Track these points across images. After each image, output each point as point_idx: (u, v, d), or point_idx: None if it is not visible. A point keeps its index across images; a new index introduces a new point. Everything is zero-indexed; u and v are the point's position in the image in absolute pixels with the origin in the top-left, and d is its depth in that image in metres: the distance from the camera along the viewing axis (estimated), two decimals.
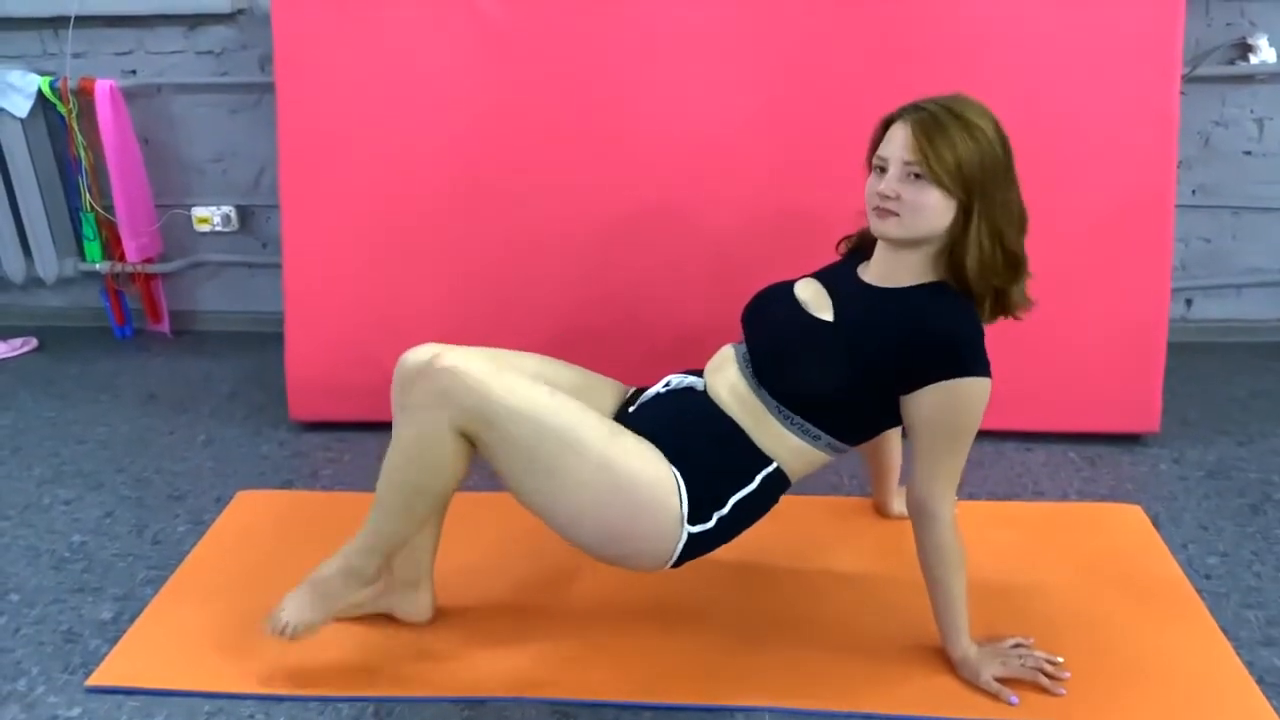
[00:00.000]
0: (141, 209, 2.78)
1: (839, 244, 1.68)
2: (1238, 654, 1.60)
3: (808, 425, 1.51)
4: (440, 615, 1.74)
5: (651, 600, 1.77)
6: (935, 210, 1.43)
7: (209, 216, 2.84)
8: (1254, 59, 2.45)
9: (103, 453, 2.38)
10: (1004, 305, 1.50)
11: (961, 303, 1.47)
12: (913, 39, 2.21)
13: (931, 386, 1.44)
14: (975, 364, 1.43)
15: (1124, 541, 1.90)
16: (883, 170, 1.46)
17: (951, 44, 2.20)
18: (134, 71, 2.75)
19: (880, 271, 1.54)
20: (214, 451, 2.38)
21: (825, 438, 1.53)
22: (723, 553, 1.81)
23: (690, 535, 1.49)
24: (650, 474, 1.47)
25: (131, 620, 1.78)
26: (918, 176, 1.42)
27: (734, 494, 1.51)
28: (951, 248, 1.46)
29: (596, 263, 2.33)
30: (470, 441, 1.49)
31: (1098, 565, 1.82)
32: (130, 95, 2.71)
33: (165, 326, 2.95)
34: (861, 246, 1.64)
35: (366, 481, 2.17)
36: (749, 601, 1.77)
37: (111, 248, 2.84)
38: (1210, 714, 1.49)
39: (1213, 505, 2.04)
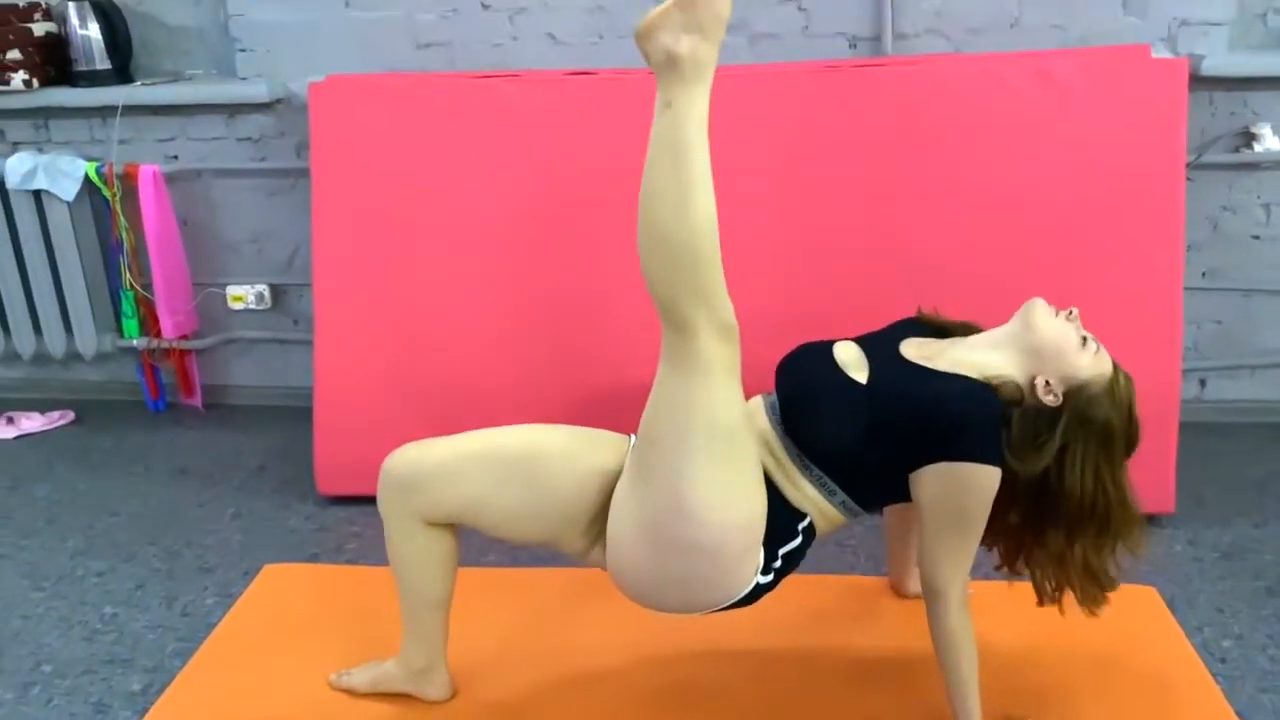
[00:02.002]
0: (179, 288, 2.88)
1: (919, 310, 1.76)
2: None
3: (825, 479, 1.55)
4: (460, 691, 1.77)
5: (671, 681, 1.80)
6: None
7: (243, 294, 2.93)
8: (1258, 147, 2.52)
9: (135, 525, 2.44)
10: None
11: (983, 394, 1.51)
12: (923, 131, 2.29)
13: (934, 466, 1.48)
14: (980, 450, 1.47)
15: (1139, 623, 1.91)
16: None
17: (962, 134, 2.28)
18: (176, 156, 2.87)
19: (928, 352, 1.60)
20: (242, 525, 2.43)
21: (840, 494, 1.56)
22: (741, 633, 1.86)
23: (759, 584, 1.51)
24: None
25: (160, 692, 1.83)
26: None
27: (784, 546, 1.53)
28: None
29: (625, 339, 2.38)
30: (448, 526, 1.63)
31: (1113, 647, 1.83)
32: (172, 179, 2.83)
33: (197, 400, 3.03)
34: (928, 326, 1.71)
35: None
36: (766, 683, 1.79)
37: (148, 325, 2.93)
38: None
39: (1228, 587, 2.05)
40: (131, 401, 3.09)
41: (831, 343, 1.66)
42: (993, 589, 2.01)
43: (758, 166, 2.33)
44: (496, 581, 2.10)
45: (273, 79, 2.73)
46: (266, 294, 2.94)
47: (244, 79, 2.77)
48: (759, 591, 1.52)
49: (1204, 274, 2.67)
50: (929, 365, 1.56)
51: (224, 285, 2.95)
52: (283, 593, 2.12)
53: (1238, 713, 1.66)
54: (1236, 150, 2.55)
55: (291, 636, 1.96)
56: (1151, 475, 2.30)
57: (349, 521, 2.43)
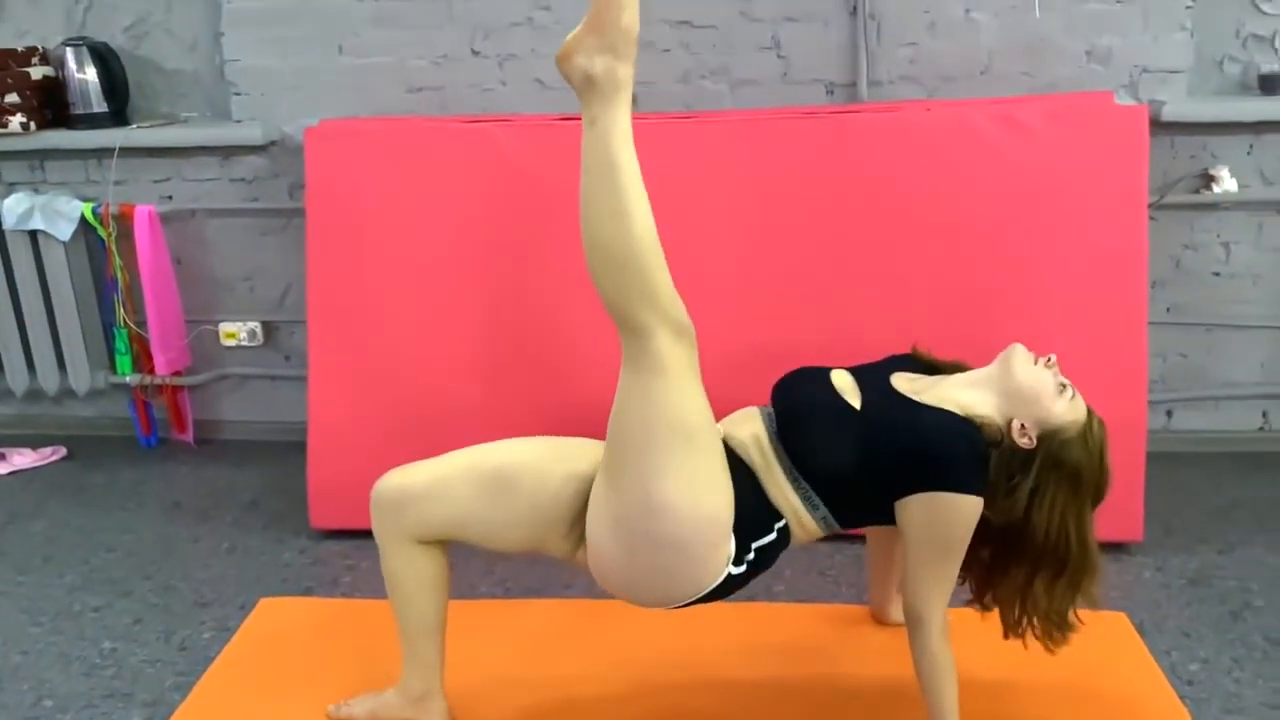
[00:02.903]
0: (172, 325, 2.93)
1: (913, 348, 1.85)
2: None
3: (811, 493, 1.62)
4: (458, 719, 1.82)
5: (662, 708, 1.85)
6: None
7: (236, 331, 2.99)
8: (1217, 188, 2.63)
9: (130, 560, 2.48)
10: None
11: (967, 429, 1.59)
12: (896, 175, 2.38)
13: (919, 495, 1.56)
14: (966, 481, 1.56)
15: (1109, 649, 1.98)
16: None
17: (935, 178, 2.37)
18: (170, 197, 2.93)
19: (917, 387, 1.68)
20: (237, 559, 2.48)
21: (823, 509, 1.63)
22: (729, 662, 1.92)
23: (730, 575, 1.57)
24: None
25: None
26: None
27: (757, 540, 1.59)
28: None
29: (613, 369, 2.44)
30: (440, 547, 1.70)
31: (1085, 672, 1.90)
32: (166, 219, 2.89)
33: (189, 436, 3.08)
34: (919, 363, 1.81)
35: (385, 589, 2.27)
36: (756, 712, 1.85)
37: (141, 361, 2.98)
38: None
39: (1194, 613, 2.13)
40: (123, 437, 3.13)
41: (829, 369, 1.74)
42: (969, 616, 2.08)
43: (737, 208, 2.41)
44: (489, 613, 2.15)
45: (267, 122, 2.81)
46: (259, 331, 3.00)
47: (239, 122, 2.84)
48: (731, 583, 1.58)
49: (1168, 309, 2.77)
50: (916, 399, 1.64)
51: (217, 322, 3.00)
52: (279, 626, 2.17)
53: None
54: (1197, 191, 2.67)
55: (289, 669, 2.00)
56: (1120, 504, 2.37)
57: (343, 555, 2.47)
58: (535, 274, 2.48)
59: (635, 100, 2.71)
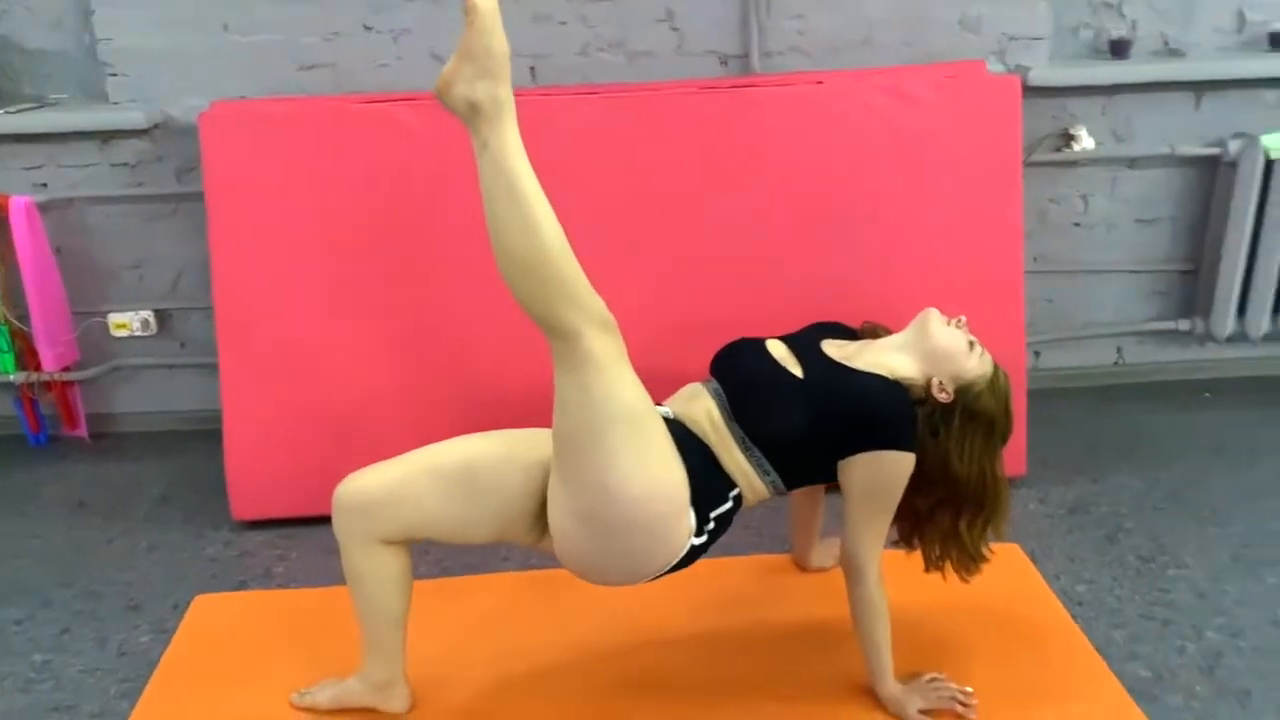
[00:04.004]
0: (58, 319, 2.81)
1: (863, 324, 1.97)
2: (1111, 668, 1.91)
3: (762, 459, 1.74)
4: (420, 700, 1.88)
5: (619, 670, 1.96)
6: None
7: (127, 322, 2.89)
8: (1076, 146, 2.86)
9: (42, 566, 2.40)
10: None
11: (899, 391, 1.75)
12: (790, 145, 2.50)
13: (861, 455, 1.71)
14: (900, 439, 1.71)
15: (1007, 578, 2.18)
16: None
17: (827, 147, 2.50)
18: (45, 185, 2.79)
19: (846, 353, 1.82)
20: (160, 557, 2.43)
21: (773, 474, 1.75)
22: (677, 618, 2.05)
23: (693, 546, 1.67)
24: None
25: None
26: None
27: (715, 509, 1.70)
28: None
29: (535, 341, 2.47)
30: (403, 544, 1.74)
31: (989, 599, 2.10)
32: (43, 208, 2.75)
33: (82, 432, 2.97)
34: (840, 328, 1.95)
35: (320, 577, 2.31)
36: (701, 664, 1.98)
37: (26, 358, 2.85)
38: None
39: (1076, 539, 2.37)
40: (10, 436, 2.99)
41: (763, 340, 1.85)
42: (889, 557, 2.27)
43: (636, 182, 2.48)
44: (434, 594, 2.19)
45: (149, 104, 2.70)
46: (152, 320, 2.91)
47: (116, 104, 2.71)
48: (695, 553, 1.68)
49: (1035, 259, 3.01)
50: (850, 364, 1.78)
51: (105, 313, 2.89)
52: (219, 623, 2.16)
53: (1096, 647, 1.97)
54: (1059, 150, 2.89)
55: (239, 664, 2.01)
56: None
57: (270, 546, 2.46)
58: (441, 254, 2.49)
59: (534, 73, 2.74)
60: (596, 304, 1.49)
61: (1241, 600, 2.12)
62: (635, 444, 1.56)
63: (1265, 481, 2.58)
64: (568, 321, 1.47)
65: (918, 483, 1.77)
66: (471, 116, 1.43)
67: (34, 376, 2.86)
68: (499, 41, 1.40)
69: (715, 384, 1.81)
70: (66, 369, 2.87)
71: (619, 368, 1.53)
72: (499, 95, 1.42)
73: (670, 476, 1.61)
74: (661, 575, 1.68)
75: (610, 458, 1.53)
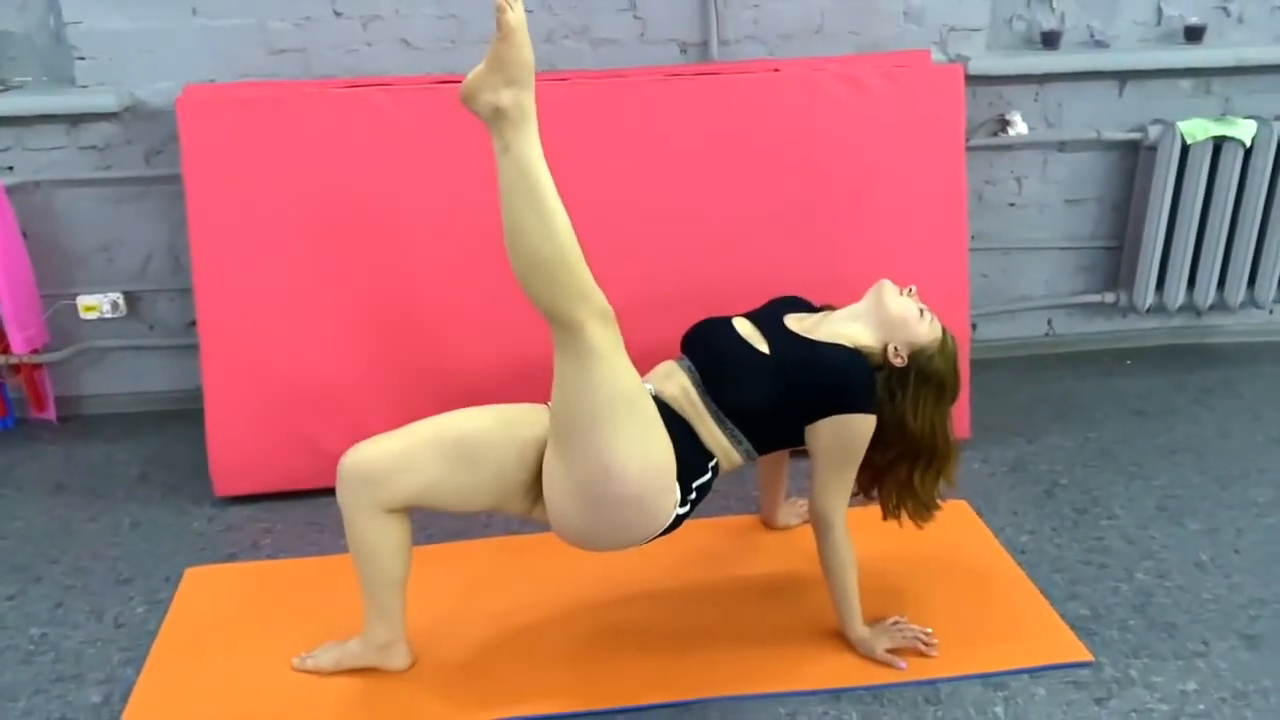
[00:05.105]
0: (27, 302, 2.82)
1: (822, 307, 2.10)
2: (1054, 608, 2.10)
3: (736, 431, 1.88)
4: (420, 658, 1.99)
5: (603, 623, 2.10)
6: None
7: (96, 304, 2.90)
8: (1011, 131, 3.06)
9: (29, 545, 2.44)
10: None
11: (860, 359, 1.90)
12: (749, 131, 2.63)
13: (827, 420, 1.86)
14: (862, 403, 1.87)
15: (958, 531, 2.38)
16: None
17: (784, 133, 2.63)
18: (11, 168, 2.79)
19: (806, 325, 1.96)
20: (145, 534, 2.49)
21: (746, 443, 1.90)
22: (656, 575, 2.18)
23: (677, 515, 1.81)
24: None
25: (123, 700, 1.92)
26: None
27: (696, 480, 1.84)
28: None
29: (506, 320, 2.49)
30: (403, 510, 1.83)
31: (942, 549, 2.28)
32: (10, 191, 2.76)
33: (51, 414, 2.98)
34: (799, 303, 2.10)
35: (308, 547, 2.40)
36: (681, 616, 2.12)
37: None
38: (1040, 654, 1.98)
39: (1017, 494, 2.57)
40: None
41: (729, 319, 1.99)
42: (853, 515, 2.44)
43: (602, 168, 2.57)
44: (426, 559, 2.26)
45: (118, 87, 2.72)
46: (121, 302, 2.93)
47: (85, 87, 2.73)
48: (679, 521, 1.83)
49: (973, 237, 3.19)
50: (811, 337, 1.93)
51: (74, 296, 2.91)
52: (213, 593, 2.23)
53: (1041, 590, 2.16)
54: (995, 134, 3.08)
55: (238, 631, 2.09)
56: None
57: (255, 519, 2.53)
58: (417, 235, 2.56)
59: None
60: (600, 298, 1.62)
61: (1166, 545, 2.34)
62: (632, 425, 1.69)
63: (1183, 439, 2.82)
64: (574, 315, 1.59)
65: (876, 440, 1.93)
66: (496, 120, 1.53)
67: (2, 359, 2.86)
68: (529, 52, 1.52)
69: (688, 361, 1.94)
70: (35, 351, 2.88)
71: (618, 354, 1.66)
72: (524, 102, 1.53)
73: (662, 454, 1.75)
74: (647, 543, 1.82)
75: (610, 438, 1.66)
